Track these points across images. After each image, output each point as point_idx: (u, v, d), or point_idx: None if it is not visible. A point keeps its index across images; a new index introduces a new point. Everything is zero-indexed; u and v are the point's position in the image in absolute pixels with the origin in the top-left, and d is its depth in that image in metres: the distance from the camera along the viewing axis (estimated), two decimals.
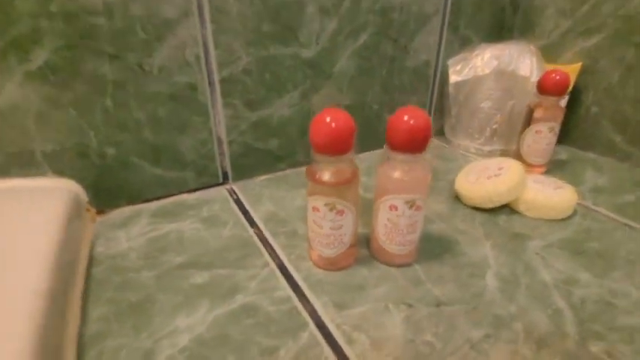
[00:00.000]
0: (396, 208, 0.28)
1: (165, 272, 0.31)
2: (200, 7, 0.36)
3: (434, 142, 0.60)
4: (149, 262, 0.32)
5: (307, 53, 0.44)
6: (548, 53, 0.56)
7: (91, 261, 0.33)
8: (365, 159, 0.53)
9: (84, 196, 0.37)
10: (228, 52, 0.39)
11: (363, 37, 0.47)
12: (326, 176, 0.27)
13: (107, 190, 0.39)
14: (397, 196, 0.28)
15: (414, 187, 0.28)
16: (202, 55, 0.38)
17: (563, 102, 0.51)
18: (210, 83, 0.40)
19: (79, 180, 0.36)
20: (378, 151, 0.56)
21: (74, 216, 0.33)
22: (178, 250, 0.34)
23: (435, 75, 0.56)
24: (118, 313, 0.27)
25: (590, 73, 0.52)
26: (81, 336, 0.25)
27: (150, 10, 0.34)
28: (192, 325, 0.26)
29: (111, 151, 0.38)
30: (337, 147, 0.26)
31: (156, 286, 0.30)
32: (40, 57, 0.32)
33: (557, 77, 0.43)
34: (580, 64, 0.52)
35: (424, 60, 0.54)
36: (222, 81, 0.40)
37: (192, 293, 0.29)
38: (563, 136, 0.56)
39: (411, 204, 0.28)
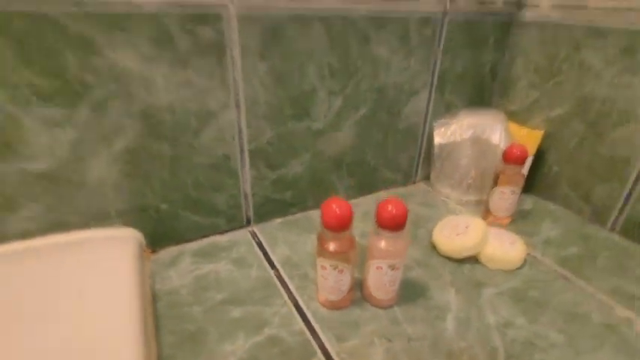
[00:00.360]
0: (382, 269, 0.39)
1: (210, 308, 0.42)
2: (237, 101, 0.47)
3: (421, 186, 0.70)
4: (197, 298, 0.43)
5: (317, 126, 0.55)
6: (520, 117, 0.67)
7: (154, 297, 0.43)
8: (362, 203, 0.64)
9: (143, 240, 0.48)
10: (256, 130, 0.50)
11: (363, 111, 0.58)
12: (331, 247, 0.38)
13: (159, 235, 0.50)
14: (382, 261, 0.39)
15: (394, 255, 0.39)
16: (237, 134, 0.49)
17: (526, 167, 0.61)
18: (241, 153, 0.51)
19: (140, 228, 0.47)
20: (372, 196, 0.67)
21: (139, 257, 0.44)
22: (218, 289, 0.45)
23: (423, 133, 0.67)
24: (180, 341, 0.38)
25: (553, 139, 0.63)
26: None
27: (200, 105, 0.45)
28: (235, 350, 0.37)
29: (164, 206, 0.49)
30: (340, 227, 0.37)
31: (205, 319, 0.40)
32: (120, 144, 0.43)
33: (518, 152, 0.53)
34: (542, 131, 0.62)
35: (414, 122, 0.65)
36: (251, 151, 0.51)
37: (231, 326, 0.40)
38: (531, 187, 0.67)
39: (392, 267, 0.39)
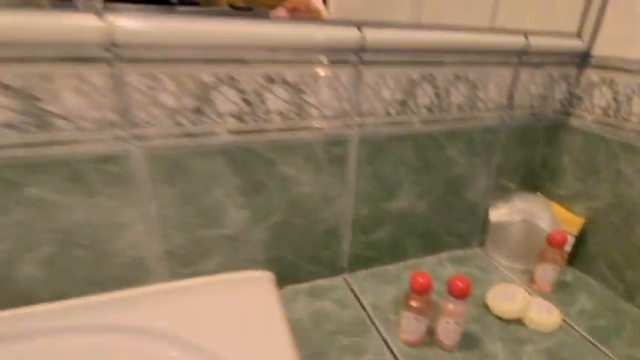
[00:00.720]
0: (449, 324, 0.57)
1: (326, 335, 0.61)
2: (348, 191, 0.68)
3: (477, 252, 0.86)
4: (315, 327, 0.63)
5: (398, 205, 0.74)
6: (566, 202, 0.81)
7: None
8: (427, 263, 0.81)
9: (274, 280, 0.69)
10: (358, 209, 0.70)
11: (436, 194, 0.76)
12: (415, 304, 0.56)
13: (282, 277, 0.71)
14: (450, 319, 0.56)
15: (459, 315, 0.56)
16: (345, 212, 0.70)
17: (569, 244, 0.75)
18: (346, 224, 0.71)
19: (272, 271, 0.68)
20: (435, 256, 0.84)
21: (278, 293, 0.65)
22: (327, 321, 0.64)
23: (481, 209, 0.83)
24: (311, 357, 0.57)
25: (593, 224, 0.76)
26: None
27: (325, 193, 0.66)
28: None
29: (290, 257, 0.70)
30: (423, 293, 0.55)
31: (323, 343, 0.60)
32: (274, 219, 0.65)
33: (559, 237, 0.68)
34: (583, 220, 0.76)
35: (474, 201, 0.81)
36: (352, 222, 0.71)
37: (343, 350, 0.59)
38: (573, 261, 0.80)
39: (457, 323, 0.56)
